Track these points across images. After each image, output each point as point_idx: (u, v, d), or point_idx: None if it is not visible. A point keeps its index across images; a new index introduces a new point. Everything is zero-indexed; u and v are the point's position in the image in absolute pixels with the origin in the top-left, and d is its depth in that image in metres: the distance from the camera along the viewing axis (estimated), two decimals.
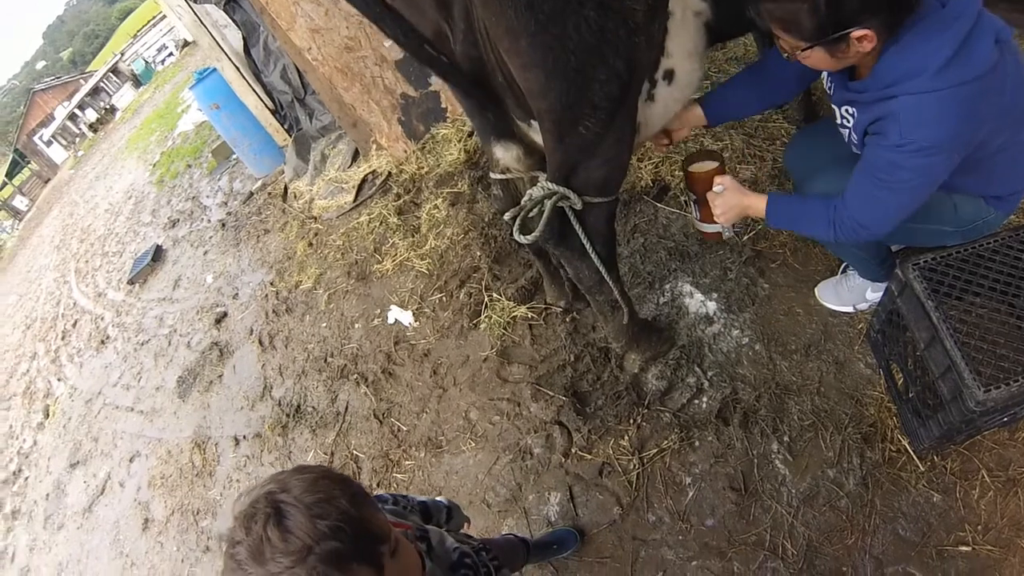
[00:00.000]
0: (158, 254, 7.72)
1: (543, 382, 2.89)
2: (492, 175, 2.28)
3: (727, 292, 2.78)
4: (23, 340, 9.59)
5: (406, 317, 3.75)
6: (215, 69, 6.71)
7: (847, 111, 1.73)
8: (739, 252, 2.86)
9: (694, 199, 2.27)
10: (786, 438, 2.27)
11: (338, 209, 5.32)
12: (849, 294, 2.46)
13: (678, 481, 2.36)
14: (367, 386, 3.53)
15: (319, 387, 3.82)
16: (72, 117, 35.26)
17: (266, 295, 5.08)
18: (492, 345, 3.21)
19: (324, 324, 4.27)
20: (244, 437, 3.98)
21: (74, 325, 8.09)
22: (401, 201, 4.74)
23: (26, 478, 5.91)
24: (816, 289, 2.58)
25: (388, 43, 4.53)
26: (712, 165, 2.17)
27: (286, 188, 6.51)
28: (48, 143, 37.87)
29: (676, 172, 3.34)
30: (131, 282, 7.56)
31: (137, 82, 34.50)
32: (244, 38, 6.28)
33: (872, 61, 1.50)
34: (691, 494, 2.31)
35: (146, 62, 34.83)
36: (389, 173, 5.16)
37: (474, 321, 3.40)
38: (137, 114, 24.24)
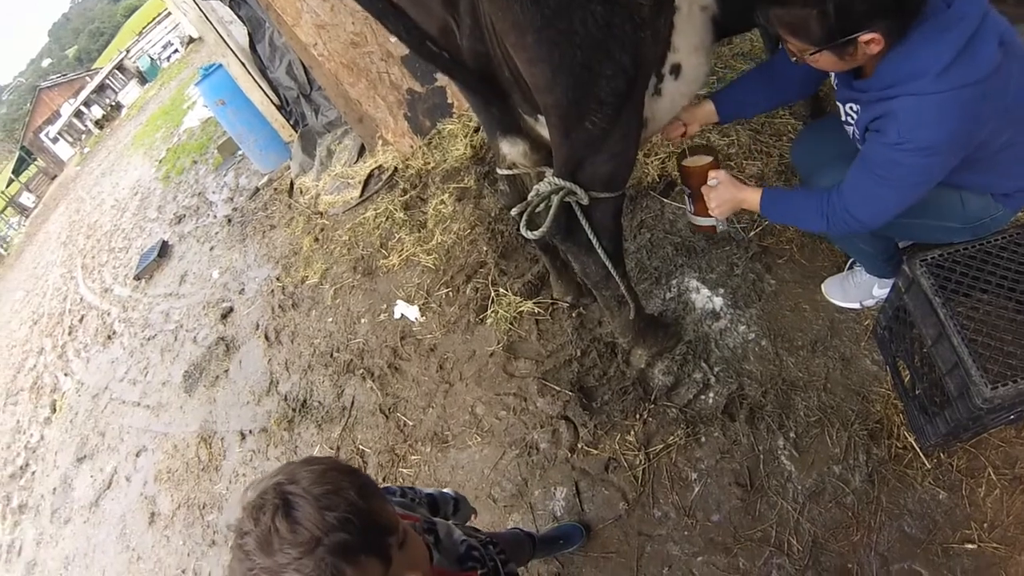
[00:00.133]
0: (164, 250, 7.75)
1: (549, 377, 2.89)
2: (499, 170, 2.28)
3: (734, 288, 2.78)
4: (30, 335, 9.64)
5: (412, 312, 3.75)
6: (221, 65, 6.71)
7: (851, 108, 1.74)
8: (746, 248, 2.86)
9: (688, 193, 2.28)
10: (792, 434, 2.27)
11: (344, 204, 5.33)
12: (856, 290, 2.46)
13: (684, 477, 2.36)
14: (373, 381, 3.54)
15: (325, 382, 3.83)
16: (78, 114, 35.29)
17: (272, 290, 5.09)
18: (498, 340, 3.21)
19: (330, 319, 4.28)
20: (250, 432, 3.99)
21: (81, 320, 8.12)
22: (407, 196, 4.74)
23: (33, 472, 5.95)
24: (823, 285, 2.58)
25: (394, 39, 4.52)
26: (706, 159, 2.18)
27: (292, 184, 6.51)
28: (54, 140, 37.92)
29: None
30: (137, 278, 7.59)
31: (143, 79, 34.47)
32: (250, 34, 6.28)
33: (877, 61, 1.50)
34: (697, 490, 2.31)
35: (151, 59, 34.77)
36: (395, 168, 5.16)
37: (480, 316, 3.40)
38: (143, 111, 24.26)
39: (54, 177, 35.38)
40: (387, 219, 4.71)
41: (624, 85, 1.55)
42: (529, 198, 1.99)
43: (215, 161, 9.31)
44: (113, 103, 34.55)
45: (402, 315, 3.80)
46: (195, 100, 15.26)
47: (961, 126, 1.45)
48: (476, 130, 4.76)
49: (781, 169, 3.05)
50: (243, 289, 5.51)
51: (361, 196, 5.24)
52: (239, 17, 6.19)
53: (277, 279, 5.17)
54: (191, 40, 27.64)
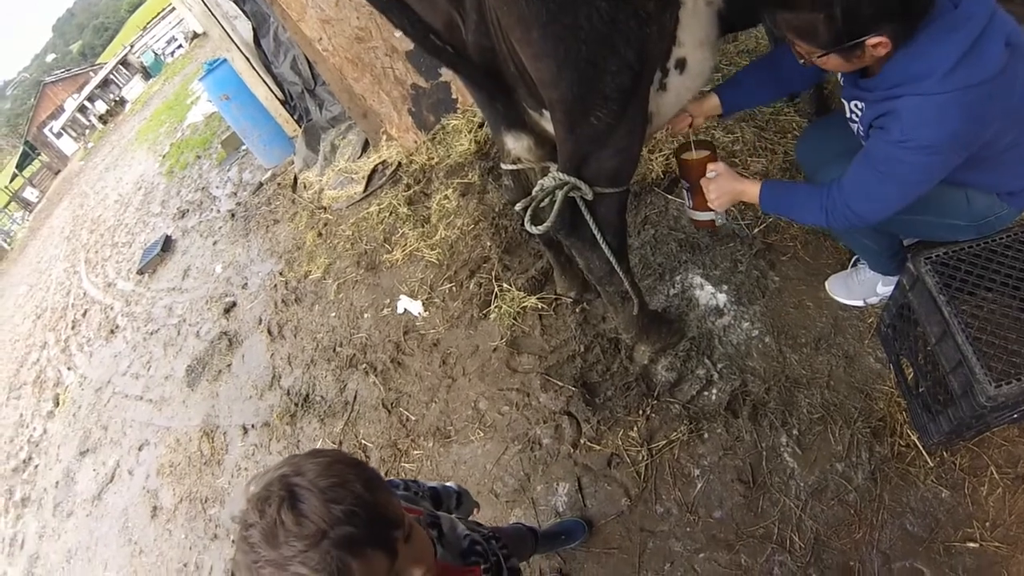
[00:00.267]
0: (167, 244, 7.75)
1: (552, 372, 2.89)
2: (503, 166, 2.27)
3: (737, 284, 2.78)
4: (33, 330, 9.66)
5: (415, 307, 3.75)
6: (225, 60, 6.71)
7: (856, 105, 1.74)
8: (750, 245, 2.86)
9: (687, 187, 2.28)
10: (795, 431, 2.27)
11: (348, 199, 5.33)
12: (860, 288, 2.46)
13: (686, 473, 2.36)
14: (376, 376, 3.54)
15: (328, 376, 3.84)
16: (82, 109, 35.32)
17: (275, 285, 5.09)
18: (502, 335, 3.21)
19: (333, 314, 4.28)
20: (252, 426, 4.00)
21: (84, 315, 8.14)
22: (411, 191, 4.74)
23: (36, 466, 5.96)
24: (827, 282, 2.58)
25: (399, 34, 4.52)
26: (705, 153, 2.18)
27: (296, 178, 6.51)
28: (58, 135, 37.99)
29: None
30: (141, 272, 7.59)
31: (147, 74, 34.51)
32: (254, 29, 6.28)
33: (884, 60, 1.50)
34: (699, 486, 2.31)
35: (155, 54, 34.81)
36: (399, 164, 5.16)
37: (484, 311, 3.40)
38: (147, 106, 24.27)
39: (58, 172, 35.43)
40: (391, 214, 4.72)
41: (629, 80, 1.55)
42: (533, 193, 2.00)
43: (219, 156, 9.31)
44: (117, 98, 34.59)
45: (405, 310, 3.80)
46: (199, 95, 15.26)
47: (964, 126, 1.46)
48: (480, 125, 4.76)
49: (785, 166, 3.05)
50: (246, 284, 5.51)
51: (365, 191, 5.24)
52: (244, 12, 6.19)
53: (280, 274, 5.17)
54: (195, 35, 27.67)
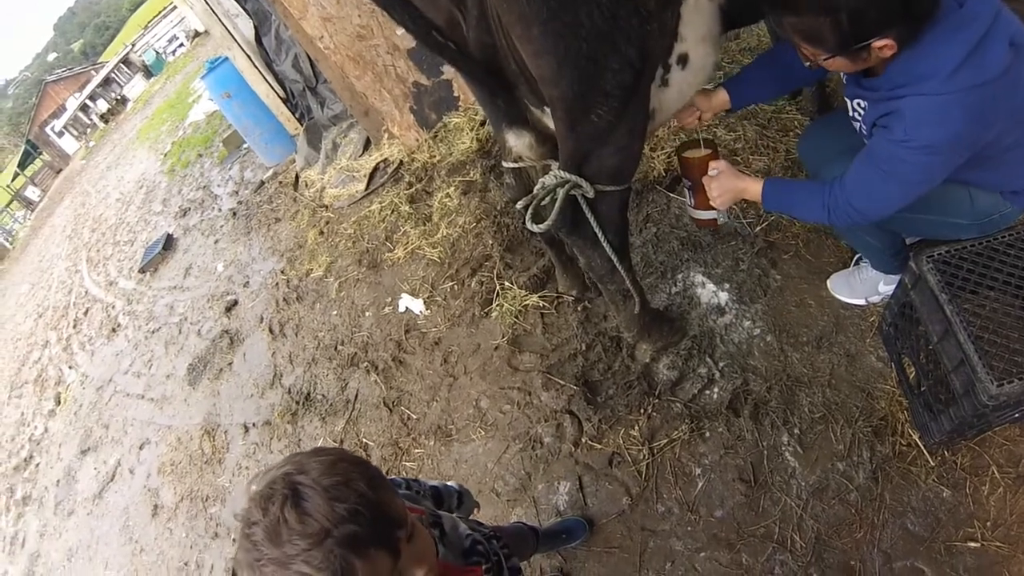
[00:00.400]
0: (169, 243, 7.75)
1: (554, 371, 2.89)
2: (504, 163, 2.27)
3: (739, 283, 2.77)
4: (35, 328, 9.67)
5: (417, 305, 3.75)
6: (227, 58, 6.71)
7: (859, 104, 1.75)
8: (751, 243, 2.85)
9: (688, 185, 2.27)
10: (796, 430, 2.27)
11: (349, 197, 5.32)
12: (862, 286, 2.45)
13: (688, 472, 2.36)
14: (377, 374, 3.54)
15: (329, 375, 3.84)
16: (84, 108, 35.29)
17: (277, 283, 5.09)
18: (503, 334, 3.21)
19: (335, 312, 4.28)
20: (254, 425, 4.00)
21: (85, 313, 8.15)
22: (413, 190, 4.74)
23: (37, 464, 5.97)
24: (828, 281, 2.57)
25: (400, 31, 4.52)
26: (706, 151, 2.18)
27: (297, 177, 6.51)
28: (60, 134, 37.98)
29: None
30: (142, 271, 7.60)
31: (148, 73, 34.48)
32: (256, 27, 6.28)
33: (888, 61, 1.50)
34: (700, 485, 2.31)
35: (157, 53, 34.78)
36: (401, 162, 5.16)
37: (485, 310, 3.40)
38: (148, 104, 24.27)
39: (59, 171, 35.45)
40: (392, 212, 4.71)
41: (630, 78, 1.55)
42: (535, 191, 1.99)
43: (220, 154, 9.31)
44: (118, 97, 34.57)
45: (407, 308, 3.80)
46: (200, 93, 15.25)
47: (967, 127, 1.46)
48: (482, 123, 4.76)
49: (788, 164, 3.04)
50: (247, 282, 5.51)
51: (366, 189, 5.24)
52: (245, 10, 6.20)
53: (282, 272, 5.17)
54: (197, 34, 27.63)
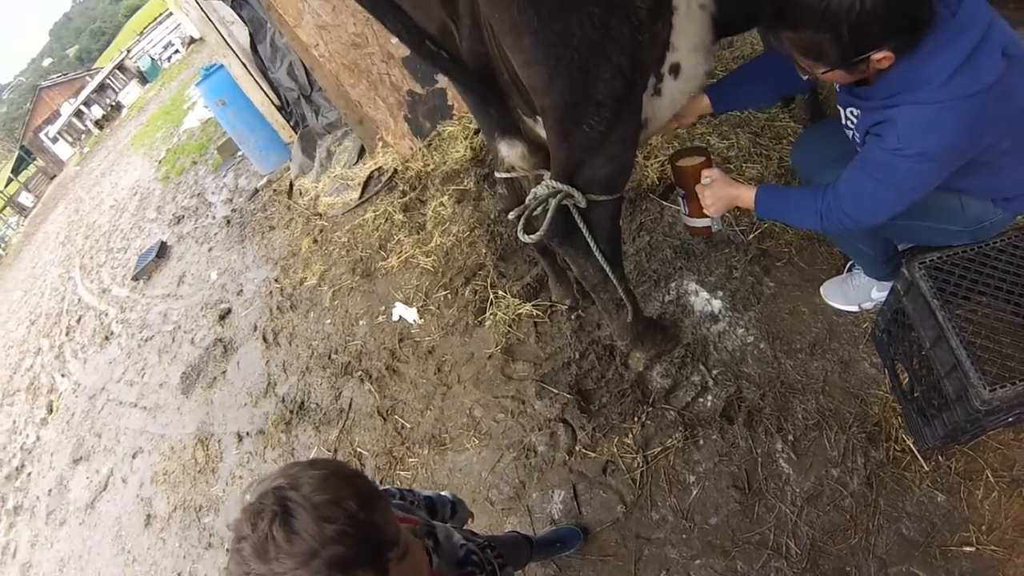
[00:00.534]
0: (163, 250, 7.74)
1: (548, 380, 2.89)
2: (497, 174, 2.27)
3: (732, 290, 2.78)
4: (27, 336, 9.63)
5: (411, 314, 3.75)
6: (222, 65, 6.71)
7: (852, 112, 1.75)
8: (744, 251, 2.86)
9: (682, 194, 2.28)
10: (790, 437, 2.27)
11: (343, 206, 5.32)
12: (855, 293, 2.46)
13: (682, 480, 2.36)
14: (371, 383, 3.53)
15: (323, 384, 3.83)
16: (78, 114, 35.28)
17: (270, 292, 5.08)
18: (497, 342, 3.21)
19: (328, 321, 4.27)
20: (247, 434, 3.98)
21: (78, 321, 8.11)
22: (407, 198, 4.74)
23: (29, 473, 5.93)
24: (821, 288, 2.58)
25: (395, 40, 4.53)
26: (699, 159, 2.18)
27: (291, 185, 6.51)
28: (54, 140, 37.92)
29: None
30: (136, 278, 7.58)
31: (143, 79, 34.49)
32: (251, 34, 6.28)
33: (883, 71, 1.50)
34: (695, 493, 2.31)
35: (152, 59, 34.77)
36: (395, 170, 5.16)
37: (479, 318, 3.40)
38: (143, 111, 24.27)
39: (53, 177, 35.41)
40: (386, 221, 4.71)
41: (622, 87, 1.55)
42: (527, 201, 1.99)
43: (215, 162, 9.31)
44: (113, 103, 34.57)
45: (400, 317, 3.80)
46: (195, 100, 15.27)
47: (960, 136, 1.47)
48: (476, 132, 4.77)
49: (781, 172, 3.05)
50: (241, 290, 5.50)
51: (360, 198, 5.24)
52: (241, 17, 6.19)
53: (275, 280, 5.16)
54: (192, 40, 27.69)
